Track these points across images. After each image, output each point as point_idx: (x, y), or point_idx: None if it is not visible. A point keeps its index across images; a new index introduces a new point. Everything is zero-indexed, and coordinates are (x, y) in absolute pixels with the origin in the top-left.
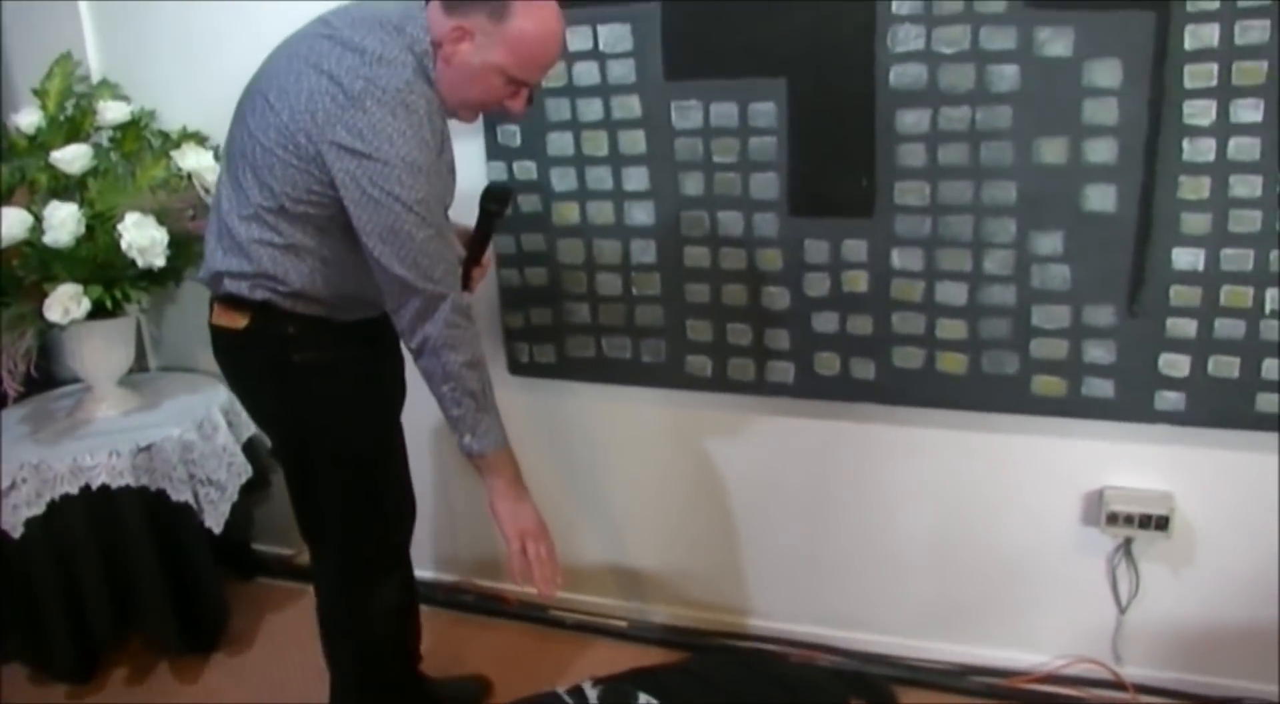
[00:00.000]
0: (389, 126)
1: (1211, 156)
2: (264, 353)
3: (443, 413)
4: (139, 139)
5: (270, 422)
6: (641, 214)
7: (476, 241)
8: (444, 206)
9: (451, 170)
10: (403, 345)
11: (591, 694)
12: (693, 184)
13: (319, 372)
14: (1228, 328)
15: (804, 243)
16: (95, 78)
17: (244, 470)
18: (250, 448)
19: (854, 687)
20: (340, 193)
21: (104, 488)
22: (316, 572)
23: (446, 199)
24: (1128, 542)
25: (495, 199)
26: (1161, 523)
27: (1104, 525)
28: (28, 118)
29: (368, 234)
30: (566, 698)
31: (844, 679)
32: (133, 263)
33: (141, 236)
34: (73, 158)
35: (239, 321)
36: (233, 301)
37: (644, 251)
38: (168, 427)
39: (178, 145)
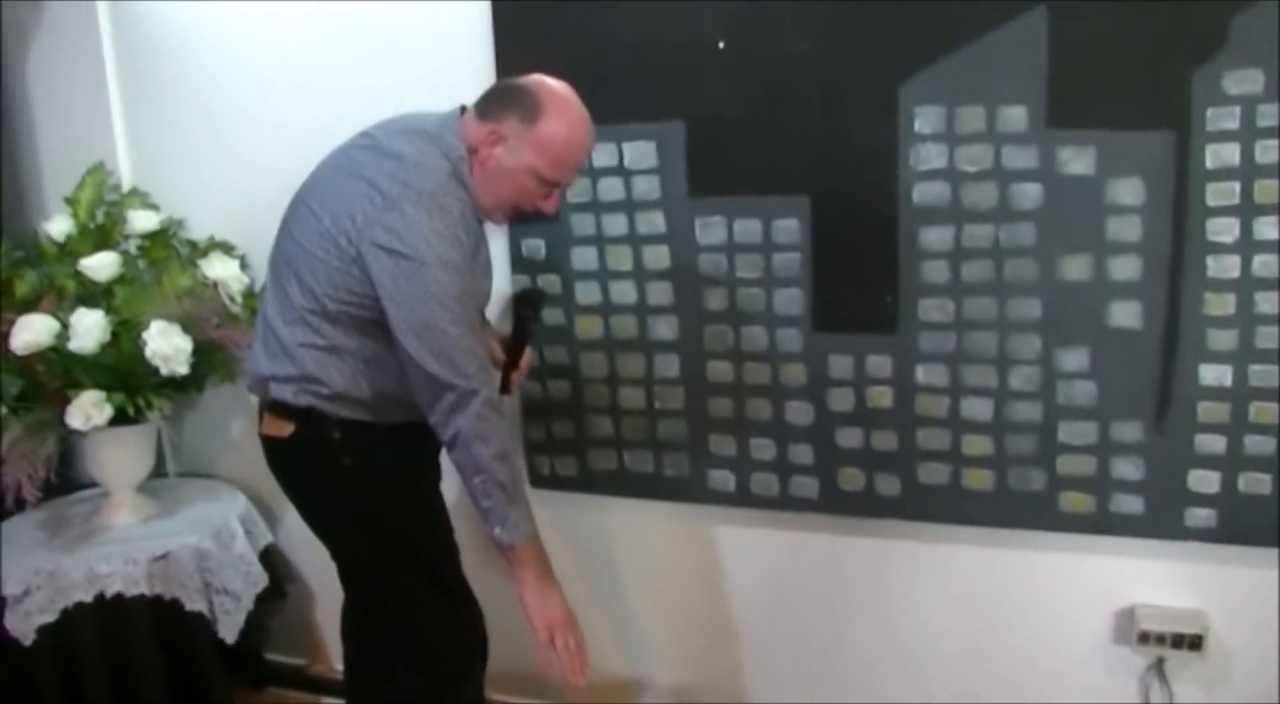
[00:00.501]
0: (424, 226)
1: (1236, 273)
2: (312, 458)
3: (474, 505)
4: (166, 247)
5: (327, 527)
6: (665, 328)
7: (513, 346)
8: (478, 305)
9: (487, 271)
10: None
11: None
12: (716, 299)
13: (372, 472)
14: (1257, 444)
15: (828, 358)
16: (126, 186)
17: (260, 580)
18: (266, 557)
19: None
20: (378, 291)
21: (118, 596)
22: (395, 682)
23: (481, 298)
24: (1160, 661)
25: (529, 303)
26: (1195, 642)
27: (1135, 644)
28: (58, 226)
29: (403, 330)
30: None
31: None
32: (156, 370)
33: (166, 345)
34: (101, 266)
35: (285, 429)
36: (279, 409)
37: (667, 366)
38: (185, 535)
39: (205, 254)
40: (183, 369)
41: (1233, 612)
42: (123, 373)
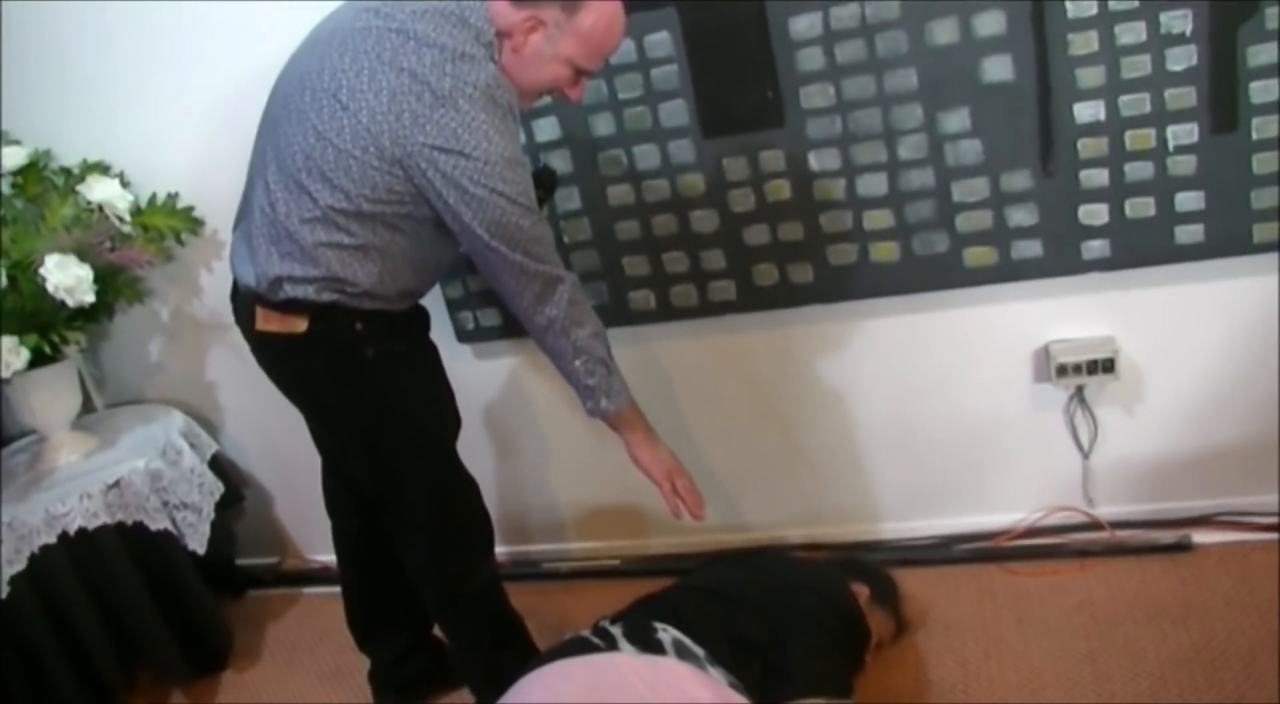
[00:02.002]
0: (484, 124)
1: (1094, 10)
2: (331, 353)
3: (573, 384)
4: (40, 180)
5: (340, 420)
6: (559, 162)
7: None
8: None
9: None
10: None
11: (615, 631)
12: (603, 125)
13: (392, 361)
14: (1137, 170)
15: (722, 162)
16: None
17: (215, 488)
18: (216, 465)
19: (850, 571)
20: (435, 193)
21: (82, 531)
22: (412, 565)
23: None
24: (1080, 390)
25: (541, 184)
26: (1108, 366)
27: (1055, 378)
28: None
29: (476, 230)
30: (595, 639)
31: (840, 566)
32: (62, 304)
33: (66, 276)
34: None
35: (298, 326)
36: (290, 306)
37: (568, 199)
38: (132, 460)
39: (82, 179)
40: (89, 298)
41: (1138, 331)
42: (29, 314)
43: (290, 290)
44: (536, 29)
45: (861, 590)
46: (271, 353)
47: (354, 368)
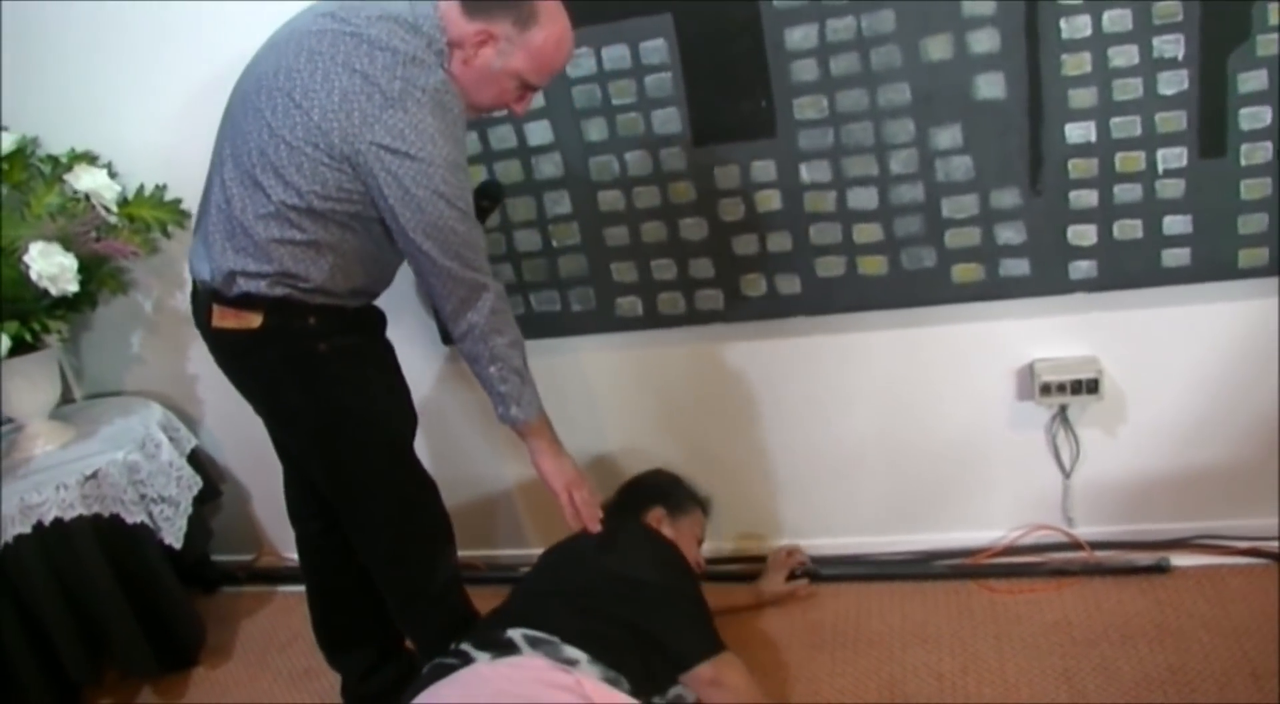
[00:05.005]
0: (430, 127)
1: (1089, 32)
2: (284, 348)
3: (486, 389)
4: (26, 167)
5: (295, 418)
6: (550, 167)
7: None
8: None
9: None
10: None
11: (466, 647)
12: (596, 130)
13: (346, 356)
14: (1126, 192)
15: (713, 170)
16: None
17: (194, 483)
18: (195, 460)
19: (635, 504)
20: (378, 191)
21: (57, 522)
22: (372, 564)
23: None
24: (1063, 409)
25: (487, 195)
26: (1092, 386)
27: (1038, 397)
28: None
29: (412, 230)
30: (451, 660)
31: (622, 505)
32: (45, 293)
33: (50, 265)
34: None
35: (251, 321)
36: (245, 301)
37: (558, 203)
38: (110, 451)
39: (69, 168)
40: (72, 287)
41: (1122, 353)
42: (10, 301)
43: (244, 285)
44: (488, 43)
45: (657, 514)
46: (228, 350)
47: (307, 362)
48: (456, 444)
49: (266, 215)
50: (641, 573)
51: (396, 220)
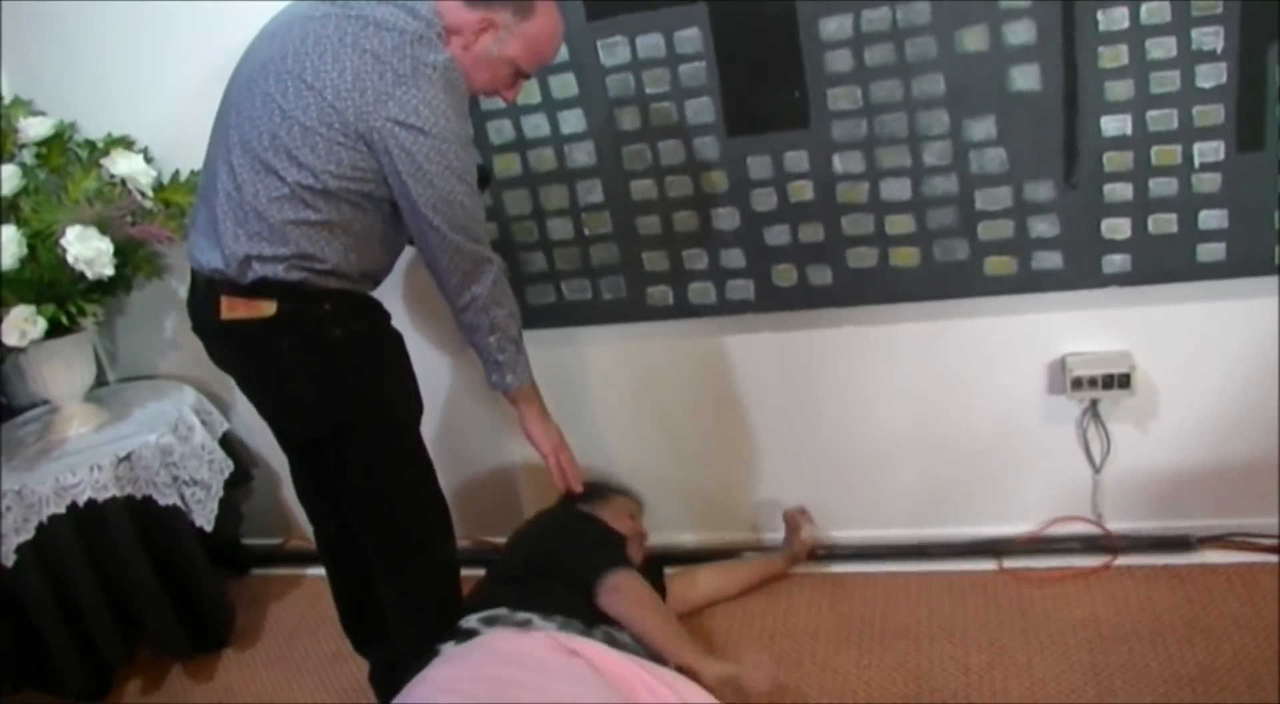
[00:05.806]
0: (442, 103)
1: (1126, 24)
2: (298, 336)
3: (482, 358)
4: (64, 152)
5: (304, 406)
6: (582, 155)
7: None
8: None
9: None
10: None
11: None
12: (629, 119)
13: (357, 342)
14: (1161, 186)
15: (746, 160)
16: (7, 98)
17: (225, 466)
18: (226, 444)
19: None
20: (391, 167)
21: (91, 503)
22: (369, 544)
23: None
24: (1094, 403)
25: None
26: (1124, 381)
27: (1070, 391)
28: None
29: (422, 204)
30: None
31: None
32: (81, 276)
33: (86, 249)
34: (4, 179)
35: (265, 309)
36: (259, 288)
37: (590, 191)
38: (143, 434)
39: (106, 152)
40: (108, 270)
41: (1155, 347)
42: (47, 284)
43: (259, 269)
44: (488, 30)
45: (584, 504)
46: (237, 342)
47: (320, 347)
48: (456, 429)
49: (280, 198)
50: (554, 529)
51: (408, 195)
